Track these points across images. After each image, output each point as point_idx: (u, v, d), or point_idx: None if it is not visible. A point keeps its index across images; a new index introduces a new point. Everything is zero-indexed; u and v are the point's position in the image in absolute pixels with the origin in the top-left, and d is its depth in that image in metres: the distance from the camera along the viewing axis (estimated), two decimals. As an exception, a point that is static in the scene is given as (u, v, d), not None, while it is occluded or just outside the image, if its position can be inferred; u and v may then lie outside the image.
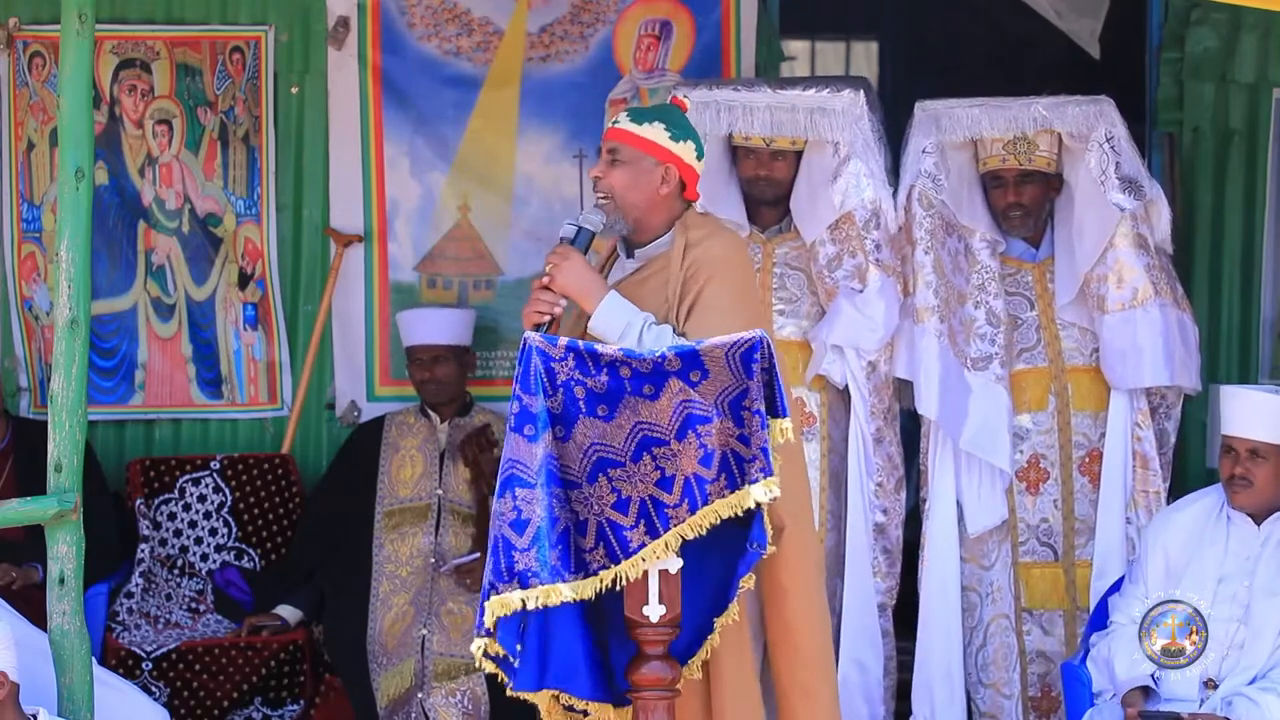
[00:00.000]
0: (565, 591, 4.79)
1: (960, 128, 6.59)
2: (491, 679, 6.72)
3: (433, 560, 7.10)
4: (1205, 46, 7.50)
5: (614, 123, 5.43)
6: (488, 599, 4.79)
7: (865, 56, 12.47)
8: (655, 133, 5.35)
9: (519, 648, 4.81)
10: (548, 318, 5.23)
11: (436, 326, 7.33)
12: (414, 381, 7.36)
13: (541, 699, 4.95)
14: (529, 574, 4.75)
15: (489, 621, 4.78)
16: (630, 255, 5.41)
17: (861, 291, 6.53)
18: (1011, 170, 6.63)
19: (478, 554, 7.09)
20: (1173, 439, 6.68)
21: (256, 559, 7.49)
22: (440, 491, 7.20)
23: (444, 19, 7.74)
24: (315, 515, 7.37)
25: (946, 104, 6.62)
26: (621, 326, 5.22)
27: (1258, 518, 5.99)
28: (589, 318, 5.27)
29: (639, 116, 5.41)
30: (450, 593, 7.00)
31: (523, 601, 4.76)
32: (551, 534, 4.78)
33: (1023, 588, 6.68)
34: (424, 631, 6.87)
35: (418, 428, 7.33)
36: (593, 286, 5.27)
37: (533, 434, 4.80)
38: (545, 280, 5.25)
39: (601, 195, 5.35)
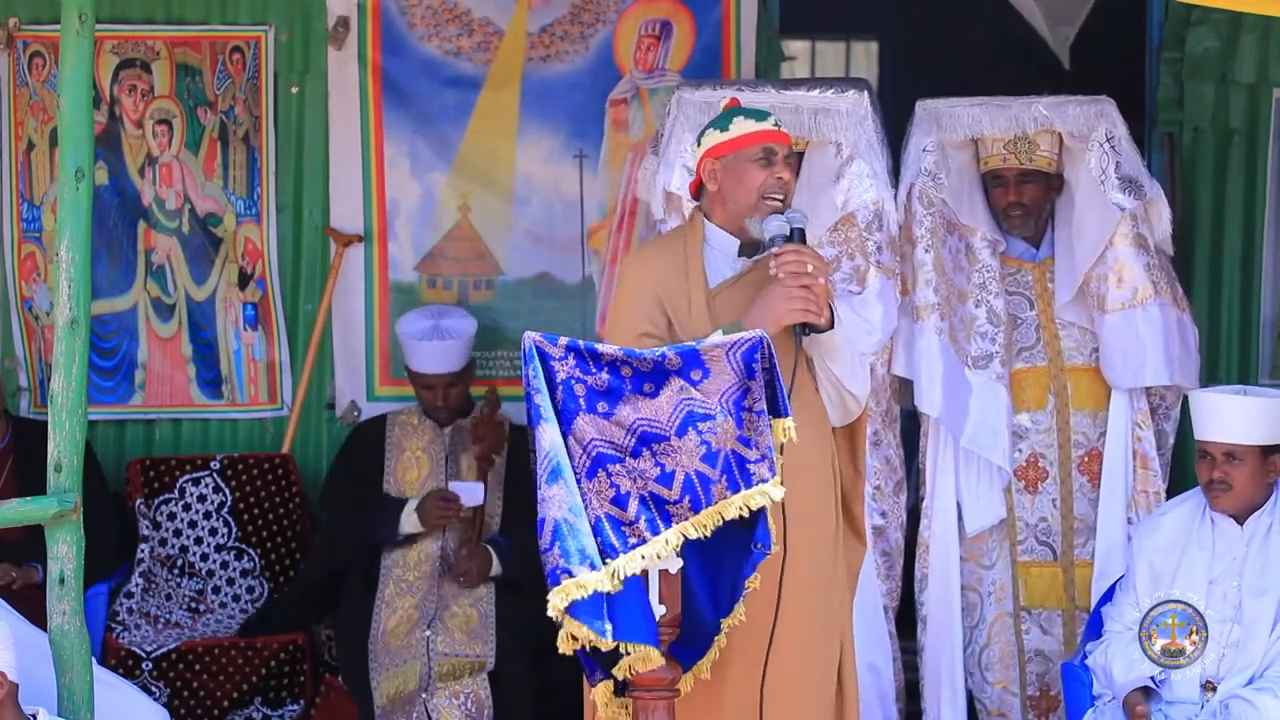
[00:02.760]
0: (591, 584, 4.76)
1: (961, 127, 6.60)
2: (495, 680, 6.74)
3: (439, 564, 7.06)
4: (1205, 46, 7.51)
5: (779, 125, 5.39)
6: (558, 583, 4.74)
7: (865, 56, 12.47)
8: None
9: (608, 628, 4.75)
10: (822, 320, 5.17)
11: (446, 357, 7.23)
12: (422, 402, 7.28)
13: (600, 693, 4.92)
14: (595, 555, 4.74)
15: (560, 605, 4.70)
16: (746, 254, 5.37)
17: (859, 294, 6.53)
18: (1012, 169, 6.63)
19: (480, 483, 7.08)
20: (1171, 440, 6.68)
21: (256, 559, 7.48)
22: None
23: (444, 19, 7.74)
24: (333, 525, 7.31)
25: (947, 103, 6.63)
26: (850, 335, 5.30)
27: (1240, 517, 6.00)
28: (807, 326, 5.20)
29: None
30: (455, 596, 6.98)
31: (598, 583, 4.72)
32: (581, 522, 4.78)
33: (1021, 587, 6.68)
34: (428, 633, 6.86)
35: (422, 429, 7.28)
36: (830, 296, 5.28)
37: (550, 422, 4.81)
38: (811, 281, 5.15)
39: (780, 196, 5.31)
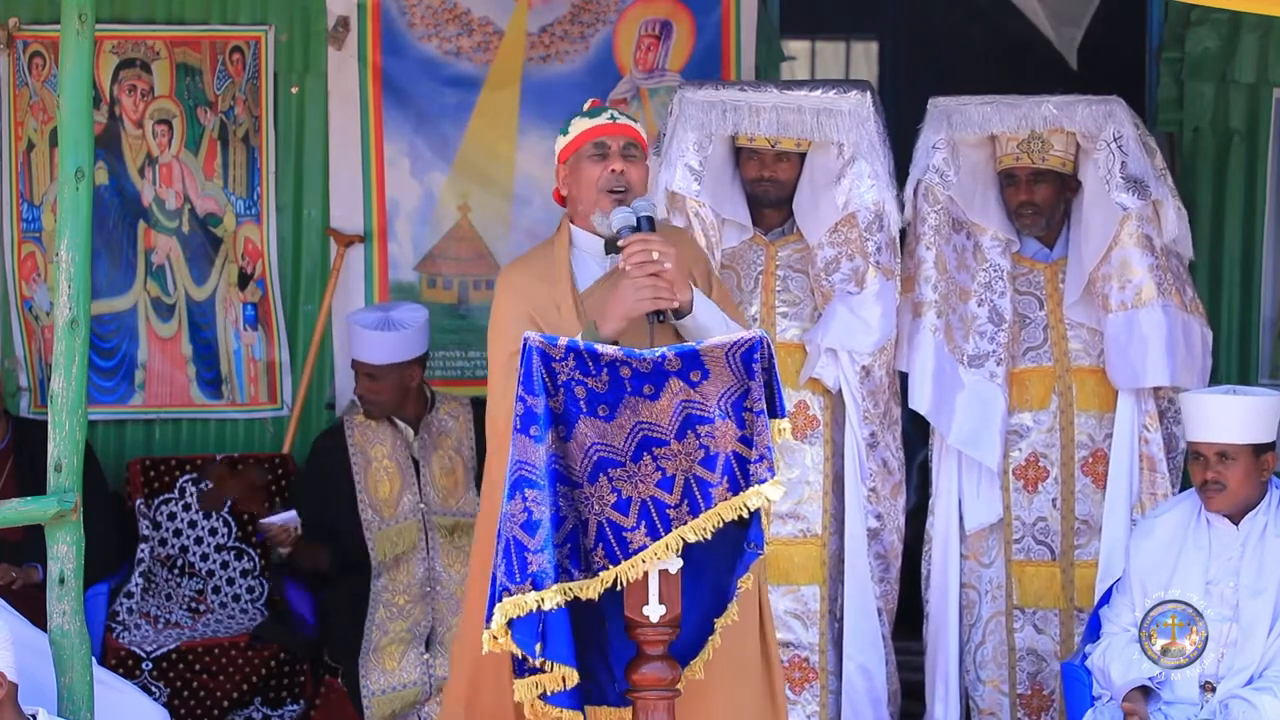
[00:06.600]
0: (573, 591, 4.78)
1: (971, 124, 6.60)
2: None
3: (427, 588, 7.03)
4: (1205, 46, 7.51)
5: (616, 117, 5.36)
6: (499, 600, 4.76)
7: (865, 56, 12.45)
8: (645, 136, 5.41)
9: (539, 647, 4.78)
10: (674, 304, 5.14)
11: (389, 347, 7.10)
12: (359, 391, 7.17)
13: (525, 694, 4.91)
14: (542, 575, 4.74)
15: (500, 622, 4.75)
16: (612, 251, 5.36)
17: (857, 294, 6.53)
18: (1024, 169, 6.63)
19: (293, 514, 7.05)
20: (1182, 444, 6.65)
21: (256, 559, 7.48)
22: (424, 506, 7.15)
23: (444, 19, 7.74)
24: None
25: (958, 101, 6.63)
26: (718, 315, 5.23)
27: (1235, 518, 6.00)
28: (672, 311, 5.18)
29: (630, 116, 5.42)
30: (446, 615, 6.96)
31: (538, 603, 4.74)
32: (556, 534, 4.78)
33: (1015, 585, 6.69)
34: (427, 656, 6.85)
35: (382, 433, 7.16)
36: (686, 278, 5.23)
37: (538, 434, 4.79)
38: (657, 268, 5.11)
39: (621, 189, 5.28)
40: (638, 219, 5.18)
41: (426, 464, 7.13)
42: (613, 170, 5.27)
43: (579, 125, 5.35)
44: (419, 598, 7.01)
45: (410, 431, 7.15)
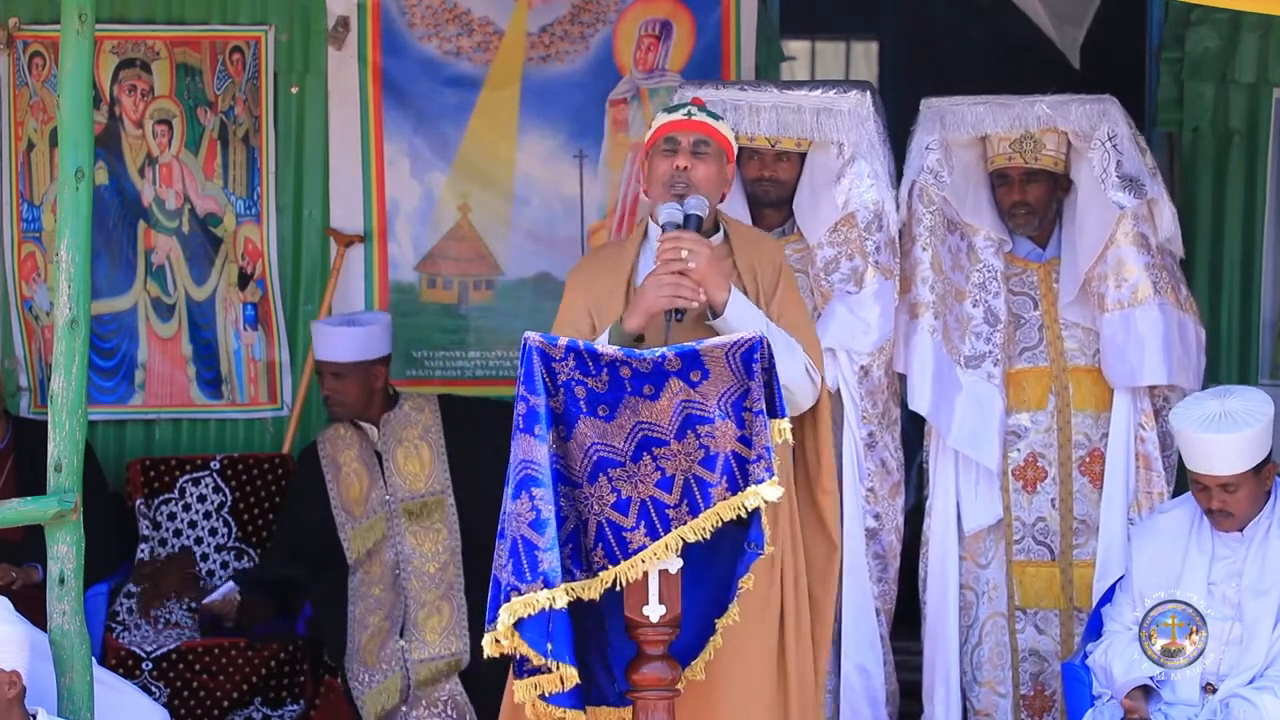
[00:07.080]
0: (575, 591, 4.78)
1: (964, 125, 6.60)
2: (467, 680, 6.73)
3: (397, 572, 7.04)
4: (1205, 46, 7.51)
5: (692, 114, 5.38)
6: (507, 600, 4.74)
7: (865, 56, 12.47)
8: (728, 131, 5.43)
9: (549, 647, 4.78)
10: (694, 304, 5.15)
11: (348, 344, 7.10)
12: (325, 395, 7.18)
13: (524, 695, 4.90)
14: (552, 573, 4.73)
15: (506, 623, 4.74)
16: None
17: (856, 294, 6.53)
18: (1017, 168, 6.63)
19: (231, 585, 7.08)
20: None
21: (256, 559, 7.48)
22: (389, 497, 7.14)
23: (444, 19, 7.74)
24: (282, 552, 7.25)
25: (951, 101, 6.63)
26: (754, 318, 5.23)
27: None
28: (708, 309, 5.20)
29: (712, 113, 5.44)
30: (419, 592, 6.96)
31: (549, 601, 4.73)
32: (560, 533, 4.78)
33: (1016, 586, 6.69)
34: (402, 644, 6.85)
35: (350, 437, 7.14)
36: (724, 278, 5.23)
37: (541, 434, 4.79)
38: (681, 266, 5.12)
39: (682, 185, 5.30)
40: (686, 216, 5.21)
41: (390, 455, 7.12)
42: (677, 166, 5.31)
43: (658, 120, 5.42)
44: (391, 584, 7.02)
45: (374, 430, 7.15)
